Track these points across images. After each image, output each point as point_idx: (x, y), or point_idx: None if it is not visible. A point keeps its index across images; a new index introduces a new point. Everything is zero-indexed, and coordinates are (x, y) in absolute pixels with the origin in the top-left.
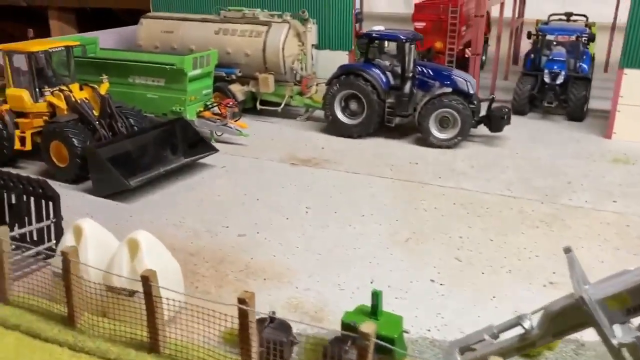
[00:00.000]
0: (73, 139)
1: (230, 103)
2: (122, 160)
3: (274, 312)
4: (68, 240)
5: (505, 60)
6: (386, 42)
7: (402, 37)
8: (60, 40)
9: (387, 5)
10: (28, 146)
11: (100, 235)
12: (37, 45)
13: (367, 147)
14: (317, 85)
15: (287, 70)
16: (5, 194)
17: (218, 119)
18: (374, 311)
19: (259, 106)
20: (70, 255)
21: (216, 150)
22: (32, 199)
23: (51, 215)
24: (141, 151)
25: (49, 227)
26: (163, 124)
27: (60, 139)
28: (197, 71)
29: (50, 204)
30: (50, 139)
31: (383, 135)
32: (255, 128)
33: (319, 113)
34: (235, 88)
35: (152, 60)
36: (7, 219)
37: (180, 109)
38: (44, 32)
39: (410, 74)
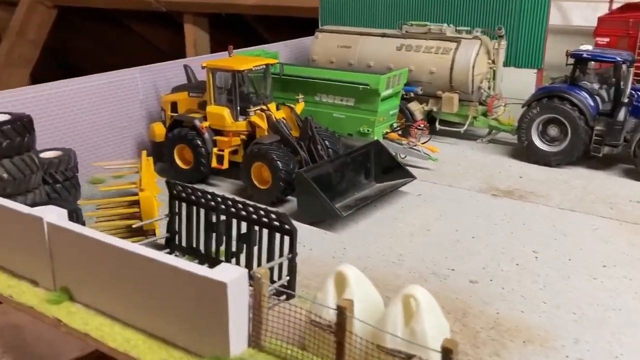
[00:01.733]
0: (277, 162)
1: (421, 125)
2: (325, 185)
3: None
4: (329, 288)
5: None
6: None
7: (619, 59)
8: (260, 58)
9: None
10: (225, 165)
11: (363, 285)
12: (241, 63)
13: (571, 178)
14: (505, 105)
15: (474, 89)
16: (235, 222)
17: (405, 141)
18: None
19: (438, 126)
20: (347, 311)
21: (414, 178)
22: (264, 230)
23: (285, 250)
24: (339, 176)
25: (280, 263)
26: (360, 148)
27: (264, 161)
28: (389, 91)
29: (287, 237)
30: (253, 160)
31: (584, 165)
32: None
33: (503, 136)
34: (414, 107)
35: (344, 79)
36: (242, 249)
37: (367, 130)
38: (177, 36)
39: (627, 100)
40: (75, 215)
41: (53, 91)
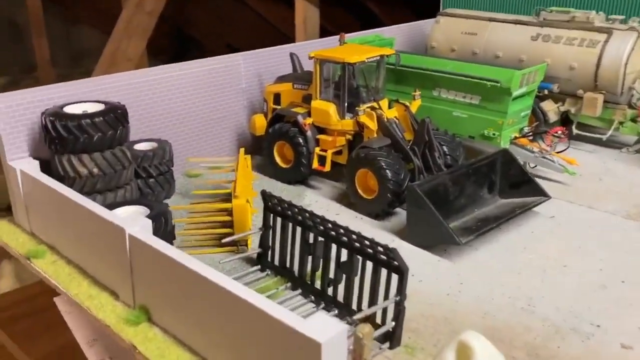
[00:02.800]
0: (387, 171)
1: (559, 132)
2: (441, 200)
3: None
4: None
5: None
6: None
7: None
8: (374, 48)
9: None
10: (327, 167)
11: (489, 356)
12: (353, 55)
13: None
14: None
15: (624, 90)
16: (335, 247)
17: (537, 148)
18: None
19: (574, 130)
20: None
21: (548, 197)
22: (367, 263)
23: (392, 290)
24: (458, 189)
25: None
26: (485, 158)
27: (370, 168)
28: (522, 90)
29: (395, 276)
30: (358, 166)
31: None
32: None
33: None
34: (548, 106)
35: (470, 73)
36: (341, 279)
37: (493, 134)
38: (289, 11)
39: None
40: (164, 220)
41: (150, 78)
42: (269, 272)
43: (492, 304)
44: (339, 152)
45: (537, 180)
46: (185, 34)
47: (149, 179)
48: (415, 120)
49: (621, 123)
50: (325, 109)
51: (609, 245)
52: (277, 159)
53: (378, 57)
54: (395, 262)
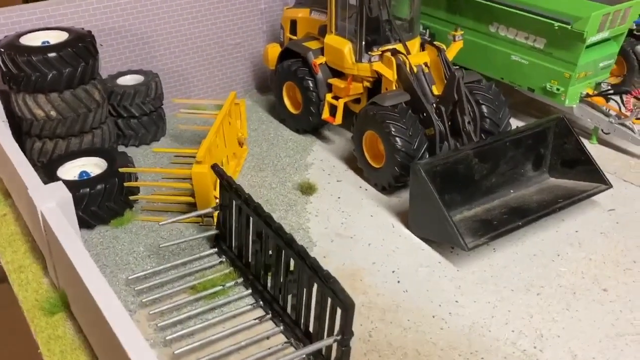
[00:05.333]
0: (396, 138)
1: None
2: (458, 183)
3: None
4: None
5: None
6: None
7: None
8: None
9: None
10: (338, 120)
11: None
12: None
13: None
14: None
15: None
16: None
17: (615, 111)
18: None
19: None
20: None
21: (609, 186)
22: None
23: (336, 328)
24: (488, 166)
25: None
26: (533, 127)
27: (378, 131)
28: (602, 34)
29: (339, 311)
30: (365, 126)
31: None
32: None
33: None
34: None
35: (535, 9)
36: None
37: (557, 89)
38: None
39: None
40: (117, 179)
41: None
42: (224, 259)
43: (487, 337)
44: (357, 100)
45: (596, 163)
46: None
47: (131, 120)
48: (450, 70)
49: None
50: (340, 47)
51: None
52: (287, 102)
53: None
54: (340, 296)
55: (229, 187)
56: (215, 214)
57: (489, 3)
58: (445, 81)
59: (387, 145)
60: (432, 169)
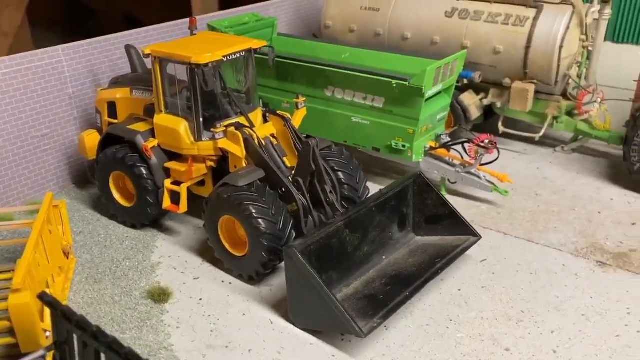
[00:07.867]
0: (259, 220)
1: (486, 141)
2: (334, 260)
3: None
4: None
5: None
6: None
7: None
8: (238, 40)
9: None
10: (183, 208)
11: None
12: (205, 51)
13: None
14: (601, 102)
15: (559, 79)
16: None
17: (459, 161)
18: None
19: (501, 128)
20: None
21: (478, 237)
22: None
23: None
24: (359, 236)
25: None
26: (392, 187)
27: (237, 215)
28: (437, 87)
29: None
30: (219, 213)
31: None
32: (498, 165)
33: (594, 142)
34: (468, 99)
35: (370, 68)
36: None
37: (403, 146)
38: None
39: None
40: None
41: None
42: None
43: None
44: (201, 183)
45: (459, 213)
46: (80, 3)
47: None
48: (299, 139)
49: (555, 118)
50: (174, 126)
51: (560, 307)
52: (116, 195)
53: (243, 53)
54: None
55: (66, 318)
56: (50, 355)
57: (320, 67)
58: (297, 152)
59: (249, 229)
60: (307, 249)
